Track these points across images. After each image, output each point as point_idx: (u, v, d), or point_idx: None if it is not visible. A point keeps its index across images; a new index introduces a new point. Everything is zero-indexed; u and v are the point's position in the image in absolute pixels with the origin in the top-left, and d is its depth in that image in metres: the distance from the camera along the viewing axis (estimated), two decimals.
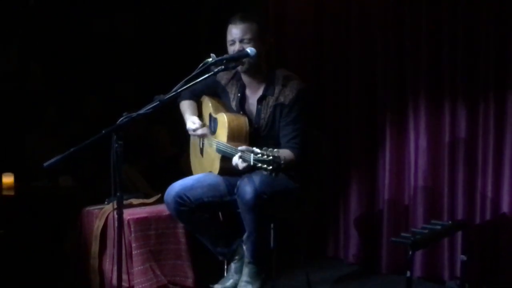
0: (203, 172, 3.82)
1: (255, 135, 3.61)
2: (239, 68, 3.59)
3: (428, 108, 4.16)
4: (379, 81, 4.38)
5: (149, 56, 5.34)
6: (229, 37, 3.60)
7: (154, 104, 3.16)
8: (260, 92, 3.65)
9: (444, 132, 4.10)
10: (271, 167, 3.04)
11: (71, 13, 5.16)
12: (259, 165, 3.07)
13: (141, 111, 3.13)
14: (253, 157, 3.09)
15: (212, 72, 3.35)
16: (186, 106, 3.87)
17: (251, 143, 3.49)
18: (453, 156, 4.06)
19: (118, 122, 3.04)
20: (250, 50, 3.47)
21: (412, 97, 4.22)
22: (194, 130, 3.73)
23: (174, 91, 3.24)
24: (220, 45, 3.70)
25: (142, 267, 3.80)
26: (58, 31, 5.12)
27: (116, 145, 3.00)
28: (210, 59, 3.37)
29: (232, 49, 3.58)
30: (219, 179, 3.67)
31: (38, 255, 4.18)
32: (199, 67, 3.34)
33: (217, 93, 3.84)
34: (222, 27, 3.69)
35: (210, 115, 3.80)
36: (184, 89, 3.28)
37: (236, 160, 3.25)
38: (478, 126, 3.97)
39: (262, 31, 3.59)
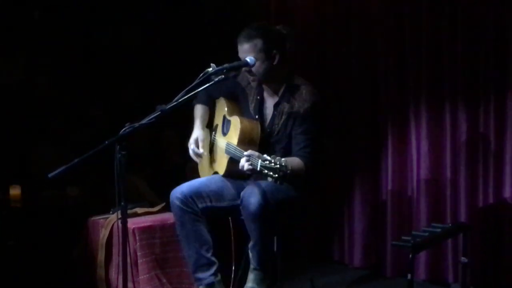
0: (208, 170, 3.84)
1: (265, 139, 3.63)
2: (251, 80, 3.63)
3: (429, 112, 4.18)
4: (380, 87, 4.41)
5: (154, 65, 5.38)
6: (239, 53, 3.60)
7: (156, 114, 3.19)
8: (276, 98, 3.66)
9: (445, 135, 4.12)
10: (276, 175, 3.07)
11: (76, 24, 5.20)
12: (265, 171, 3.11)
13: (144, 121, 3.16)
14: (261, 163, 3.13)
15: (212, 82, 3.38)
16: (198, 113, 3.88)
17: (261, 147, 3.52)
18: (455, 159, 4.08)
19: (120, 133, 3.07)
20: (249, 59, 3.49)
21: (413, 102, 4.25)
22: (194, 152, 3.74)
23: (176, 101, 3.28)
24: (224, 53, 3.72)
25: (147, 275, 3.84)
26: (64, 42, 5.16)
27: (119, 155, 3.04)
28: (210, 68, 3.40)
29: None
30: (227, 183, 3.69)
31: (46, 265, 4.22)
32: (199, 76, 3.37)
33: (236, 94, 3.83)
34: (226, 35, 3.70)
35: (224, 117, 3.83)
36: (191, 95, 3.27)
37: (242, 163, 3.28)
38: (478, 129, 3.99)
39: (268, 44, 3.53)
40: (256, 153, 3.25)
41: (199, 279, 3.62)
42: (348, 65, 4.58)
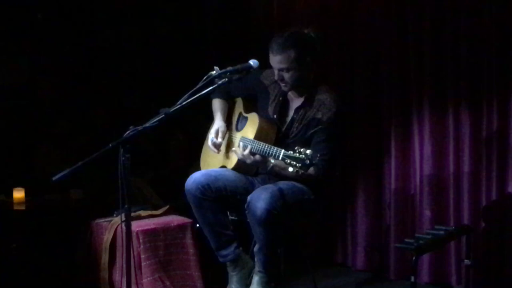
0: (214, 166, 3.83)
1: (281, 140, 3.63)
2: (282, 86, 3.62)
3: (432, 114, 4.18)
4: (383, 89, 4.41)
5: (156, 67, 5.38)
6: (270, 62, 3.59)
7: (160, 117, 3.19)
8: (299, 102, 3.67)
9: (448, 137, 4.12)
10: (300, 164, 3.13)
11: (78, 27, 5.21)
12: (288, 161, 3.16)
13: (147, 124, 3.16)
14: (284, 152, 3.20)
15: (216, 85, 3.38)
16: (218, 106, 3.88)
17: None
18: (458, 160, 4.08)
19: (124, 136, 3.07)
20: (253, 62, 3.49)
21: (416, 104, 4.25)
22: (213, 142, 3.75)
23: (179, 104, 3.28)
24: (225, 55, 3.71)
25: (151, 277, 3.85)
26: (67, 44, 5.17)
27: (123, 158, 3.04)
28: (214, 72, 3.40)
29: (275, 73, 3.60)
30: (240, 176, 3.70)
31: (50, 268, 4.22)
32: (203, 80, 3.37)
33: (255, 92, 3.82)
34: (228, 38, 3.69)
35: (240, 114, 3.83)
36: (195, 98, 3.26)
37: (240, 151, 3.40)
38: (481, 131, 4.00)
39: (301, 54, 3.52)
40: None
41: (223, 256, 3.70)
42: (350, 66, 4.58)
